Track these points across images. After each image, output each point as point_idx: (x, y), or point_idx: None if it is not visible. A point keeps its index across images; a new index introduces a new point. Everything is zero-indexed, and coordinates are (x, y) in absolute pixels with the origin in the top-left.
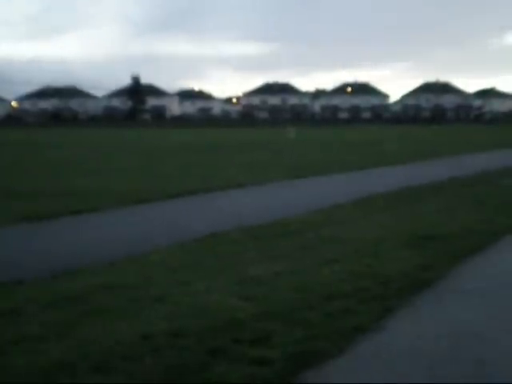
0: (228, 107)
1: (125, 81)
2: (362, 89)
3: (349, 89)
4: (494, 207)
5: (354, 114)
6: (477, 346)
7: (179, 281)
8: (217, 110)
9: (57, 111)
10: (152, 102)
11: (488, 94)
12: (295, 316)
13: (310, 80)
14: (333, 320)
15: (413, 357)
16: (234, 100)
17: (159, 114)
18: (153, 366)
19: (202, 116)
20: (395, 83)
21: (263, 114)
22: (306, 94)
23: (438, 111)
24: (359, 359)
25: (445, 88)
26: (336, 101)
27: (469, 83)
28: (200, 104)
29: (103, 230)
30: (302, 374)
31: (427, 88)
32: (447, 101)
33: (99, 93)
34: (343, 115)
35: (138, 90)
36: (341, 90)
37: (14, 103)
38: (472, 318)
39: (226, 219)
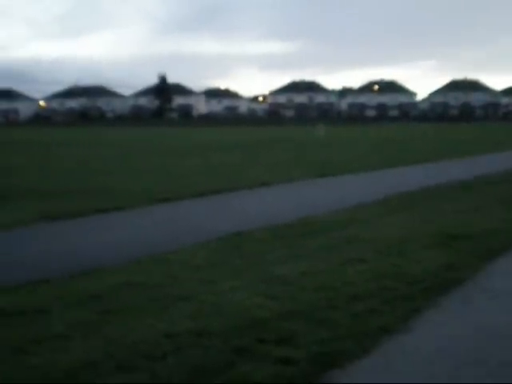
0: (254, 106)
1: (152, 80)
2: (389, 87)
3: (375, 87)
4: None
5: (381, 112)
6: (503, 347)
7: (204, 280)
8: (243, 108)
9: (84, 110)
10: (179, 100)
11: None
12: (320, 316)
13: (336, 78)
14: (358, 320)
15: (439, 358)
16: (261, 98)
17: (186, 112)
18: (176, 365)
19: (229, 115)
20: (422, 81)
21: (290, 113)
22: (332, 92)
23: (465, 109)
24: (384, 360)
25: (473, 86)
26: (363, 99)
27: (497, 81)
28: (226, 103)
29: (128, 229)
30: (327, 373)
31: (455, 86)
32: (475, 99)
33: (126, 92)
34: (370, 113)
35: (164, 89)
36: (367, 88)
37: (41, 102)
38: (500, 318)
39: (251, 218)
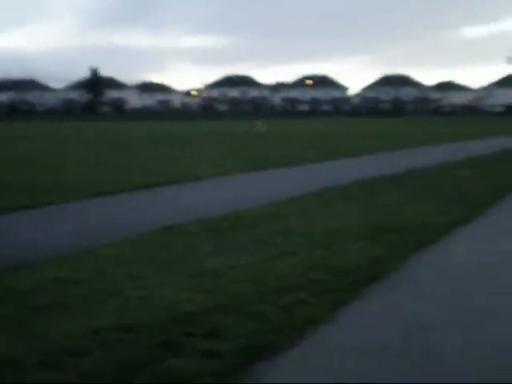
0: (188, 100)
1: (83, 73)
2: (322, 81)
3: (308, 81)
4: (449, 198)
5: (314, 107)
6: (428, 338)
7: (133, 274)
8: (177, 102)
9: (13, 104)
10: (111, 94)
11: (446, 86)
12: (249, 309)
13: (270, 73)
14: (286, 313)
15: (363, 348)
16: (194, 93)
17: (118, 106)
18: (102, 361)
19: (162, 109)
20: (355, 76)
21: (223, 107)
22: (266, 86)
23: (396, 104)
24: (310, 351)
25: (403, 81)
26: (296, 93)
27: (427, 76)
28: (160, 96)
29: (58, 224)
30: (253, 366)
31: (386, 81)
32: (406, 93)
33: (57, 85)
34: (303, 108)
35: (96, 83)
36: (300, 82)
37: None
38: (424, 309)
39: (183, 212)
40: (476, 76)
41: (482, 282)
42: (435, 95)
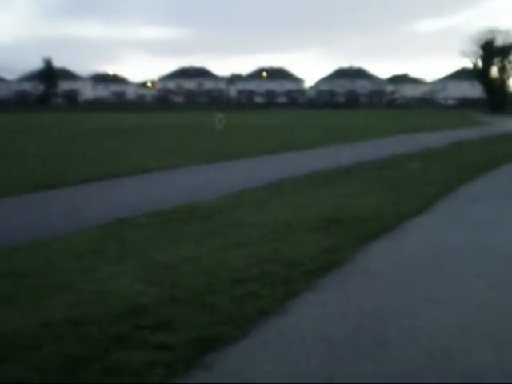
0: (143, 91)
1: (36, 64)
2: (278, 73)
3: (264, 73)
4: (401, 190)
5: (270, 99)
6: (378, 327)
7: (84, 267)
8: (131, 94)
9: None
10: (64, 85)
11: (400, 79)
12: (200, 301)
13: (225, 64)
14: (238, 304)
15: (315, 338)
16: (149, 84)
17: (72, 98)
18: (52, 355)
19: (116, 100)
20: (311, 69)
21: (179, 99)
22: (222, 78)
23: (351, 96)
24: (261, 342)
25: (358, 73)
26: (252, 85)
27: (382, 69)
28: (114, 88)
29: (9, 216)
30: (204, 358)
31: (341, 73)
32: (360, 86)
33: (10, 76)
34: (259, 100)
35: (49, 74)
36: (256, 74)
37: None
38: (374, 300)
39: (135, 205)
40: (430, 69)
41: (430, 272)
42: (390, 88)
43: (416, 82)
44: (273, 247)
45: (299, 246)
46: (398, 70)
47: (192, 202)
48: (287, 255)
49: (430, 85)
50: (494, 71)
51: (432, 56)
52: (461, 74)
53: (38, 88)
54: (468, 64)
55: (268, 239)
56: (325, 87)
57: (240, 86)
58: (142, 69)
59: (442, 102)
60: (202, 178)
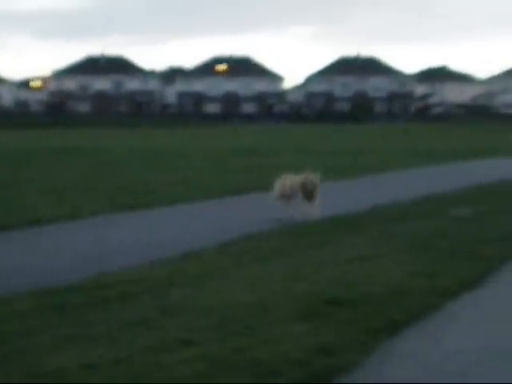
0: (26, 95)
1: None
2: (242, 67)
3: (221, 67)
4: (440, 252)
5: (230, 107)
6: None
7: None
8: (7, 99)
9: None
10: None
11: (437, 75)
12: None
13: (158, 53)
14: None
15: None
16: (37, 83)
17: None
18: None
19: None
20: (294, 59)
21: (83, 107)
22: (153, 74)
23: (360, 102)
24: None
25: (370, 66)
26: (201, 86)
27: (407, 59)
28: None
29: None
30: None
31: (344, 66)
32: (375, 86)
33: None
34: (213, 108)
35: None
36: (208, 68)
37: None
38: None
39: (13, 279)
40: (484, 60)
41: None
42: (421, 89)
43: (462, 79)
44: (234, 346)
45: (275, 343)
46: (432, 61)
47: (104, 273)
48: (257, 358)
49: (485, 84)
50: None
51: (485, 39)
52: None
53: None
54: None
55: (226, 333)
56: (318, 88)
57: (182, 86)
58: (25, 59)
59: (502, 109)
60: (116, 236)
